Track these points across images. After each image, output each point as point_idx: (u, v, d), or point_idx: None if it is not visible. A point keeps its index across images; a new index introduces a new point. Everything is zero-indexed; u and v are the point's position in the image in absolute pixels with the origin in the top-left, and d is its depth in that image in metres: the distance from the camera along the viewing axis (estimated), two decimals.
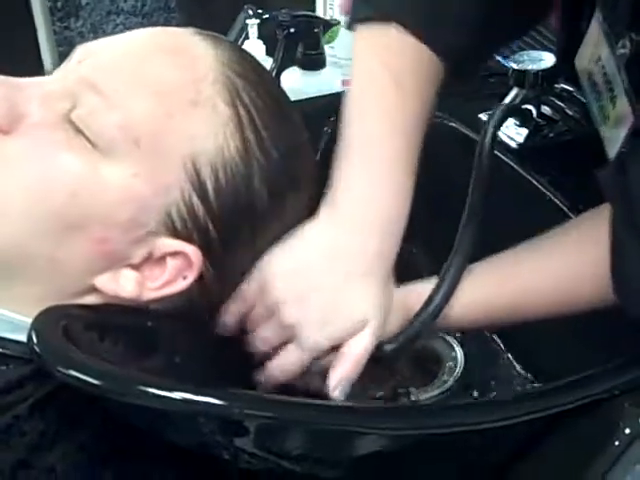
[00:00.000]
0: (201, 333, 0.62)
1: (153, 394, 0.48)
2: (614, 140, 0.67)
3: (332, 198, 0.62)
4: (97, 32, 1.93)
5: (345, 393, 0.61)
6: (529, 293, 0.63)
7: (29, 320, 0.54)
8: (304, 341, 0.61)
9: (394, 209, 0.62)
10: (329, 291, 0.61)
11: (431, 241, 0.85)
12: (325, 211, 0.62)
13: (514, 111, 0.81)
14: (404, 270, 0.64)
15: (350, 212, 0.61)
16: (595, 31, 0.69)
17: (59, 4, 1.85)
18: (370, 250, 0.61)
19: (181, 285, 0.58)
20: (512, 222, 0.82)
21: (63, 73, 0.59)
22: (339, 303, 0.61)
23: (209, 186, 0.57)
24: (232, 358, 0.64)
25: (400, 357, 0.64)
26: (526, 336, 0.74)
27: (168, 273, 0.58)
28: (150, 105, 0.56)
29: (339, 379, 0.61)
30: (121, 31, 0.61)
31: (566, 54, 0.83)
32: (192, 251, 0.57)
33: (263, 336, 0.62)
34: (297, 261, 0.61)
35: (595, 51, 0.70)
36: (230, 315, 0.62)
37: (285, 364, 0.62)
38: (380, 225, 0.61)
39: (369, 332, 0.61)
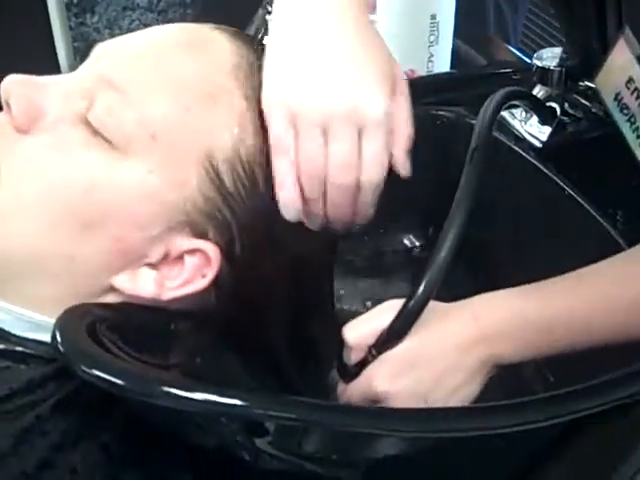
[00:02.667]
0: (221, 334, 0.62)
1: (175, 394, 0.47)
2: None
3: None
4: (112, 28, 1.93)
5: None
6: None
7: (49, 320, 0.54)
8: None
9: None
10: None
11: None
12: None
13: (518, 94, 0.79)
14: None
15: None
16: (623, 53, 0.69)
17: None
18: None
19: (201, 284, 0.58)
20: (535, 220, 0.82)
21: (81, 71, 0.59)
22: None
23: (226, 181, 0.56)
24: (253, 361, 0.64)
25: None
26: None
27: (187, 271, 0.57)
28: (167, 99, 0.56)
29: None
30: (137, 27, 0.61)
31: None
32: (210, 248, 0.57)
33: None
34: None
35: (623, 72, 0.69)
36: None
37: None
38: None
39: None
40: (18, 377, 0.54)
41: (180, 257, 0.57)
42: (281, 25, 0.58)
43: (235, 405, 0.48)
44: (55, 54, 1.84)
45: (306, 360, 0.68)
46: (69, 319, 0.53)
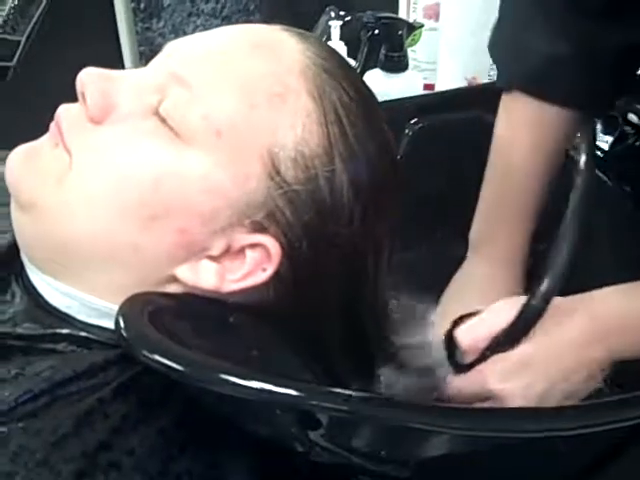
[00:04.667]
0: (277, 328, 0.62)
1: (233, 382, 0.48)
2: None
3: None
4: (178, 33, 1.96)
5: None
6: None
7: (113, 307, 0.55)
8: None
9: None
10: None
11: None
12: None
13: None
14: None
15: None
16: None
17: (142, 5, 1.89)
18: None
19: (260, 278, 0.59)
20: (594, 230, 0.81)
21: (153, 66, 0.61)
22: None
23: (288, 179, 0.57)
24: (307, 355, 0.65)
25: None
26: None
27: (247, 265, 0.58)
28: (234, 96, 0.57)
29: None
30: (200, 32, 0.63)
31: None
32: (271, 243, 0.58)
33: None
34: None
35: None
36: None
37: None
38: None
39: None
40: (82, 361, 0.55)
41: (241, 251, 0.58)
42: None
43: (290, 395, 0.49)
44: (121, 58, 1.88)
45: (359, 357, 0.69)
46: (132, 306, 0.54)
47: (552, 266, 0.59)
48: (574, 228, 0.60)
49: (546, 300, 0.59)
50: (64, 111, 0.59)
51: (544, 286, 0.59)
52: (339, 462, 0.59)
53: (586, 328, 0.61)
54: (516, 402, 0.60)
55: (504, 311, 0.61)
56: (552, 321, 0.61)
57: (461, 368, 0.64)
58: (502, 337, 0.61)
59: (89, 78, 0.58)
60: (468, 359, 0.63)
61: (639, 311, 0.61)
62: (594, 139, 0.69)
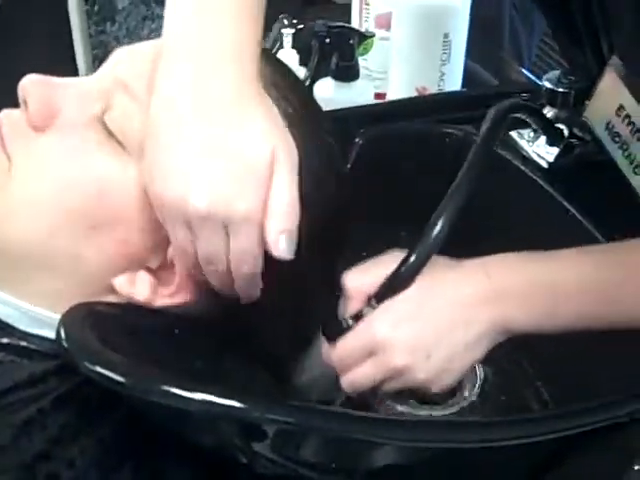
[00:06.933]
0: (222, 337, 0.62)
1: (174, 394, 0.48)
2: None
3: None
4: (132, 37, 1.94)
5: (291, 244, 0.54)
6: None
7: (53, 316, 0.55)
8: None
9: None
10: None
11: None
12: None
13: (519, 107, 0.79)
14: None
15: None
16: (611, 81, 0.69)
17: (96, 8, 1.87)
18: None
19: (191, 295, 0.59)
20: (538, 240, 0.82)
21: (99, 74, 0.60)
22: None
23: None
24: (253, 363, 0.65)
25: None
26: (552, 356, 0.74)
27: (179, 280, 0.58)
28: None
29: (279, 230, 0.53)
30: (156, 36, 0.62)
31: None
32: None
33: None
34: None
35: (613, 100, 0.70)
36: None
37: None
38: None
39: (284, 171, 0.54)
40: (21, 371, 0.54)
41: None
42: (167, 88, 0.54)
43: (233, 407, 0.48)
44: (74, 61, 1.86)
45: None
46: (74, 316, 0.53)
47: (438, 216, 0.59)
48: (463, 188, 0.60)
49: (431, 247, 0.58)
50: (5, 116, 0.58)
51: (429, 234, 0.58)
52: (284, 474, 0.59)
53: (480, 285, 0.59)
54: (405, 353, 0.58)
55: (391, 259, 0.60)
56: (446, 274, 0.60)
57: (340, 325, 0.60)
58: (387, 283, 0.59)
59: (31, 85, 0.57)
60: (352, 309, 0.60)
61: (539, 275, 0.59)
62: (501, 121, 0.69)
